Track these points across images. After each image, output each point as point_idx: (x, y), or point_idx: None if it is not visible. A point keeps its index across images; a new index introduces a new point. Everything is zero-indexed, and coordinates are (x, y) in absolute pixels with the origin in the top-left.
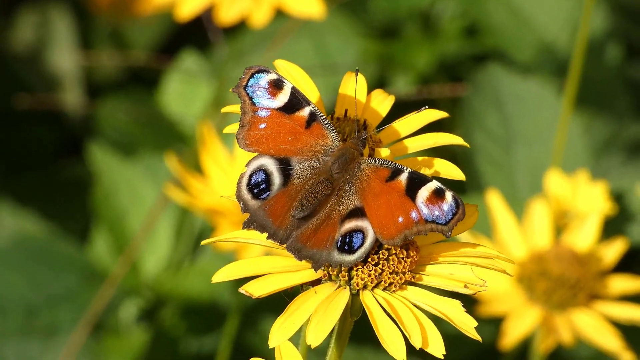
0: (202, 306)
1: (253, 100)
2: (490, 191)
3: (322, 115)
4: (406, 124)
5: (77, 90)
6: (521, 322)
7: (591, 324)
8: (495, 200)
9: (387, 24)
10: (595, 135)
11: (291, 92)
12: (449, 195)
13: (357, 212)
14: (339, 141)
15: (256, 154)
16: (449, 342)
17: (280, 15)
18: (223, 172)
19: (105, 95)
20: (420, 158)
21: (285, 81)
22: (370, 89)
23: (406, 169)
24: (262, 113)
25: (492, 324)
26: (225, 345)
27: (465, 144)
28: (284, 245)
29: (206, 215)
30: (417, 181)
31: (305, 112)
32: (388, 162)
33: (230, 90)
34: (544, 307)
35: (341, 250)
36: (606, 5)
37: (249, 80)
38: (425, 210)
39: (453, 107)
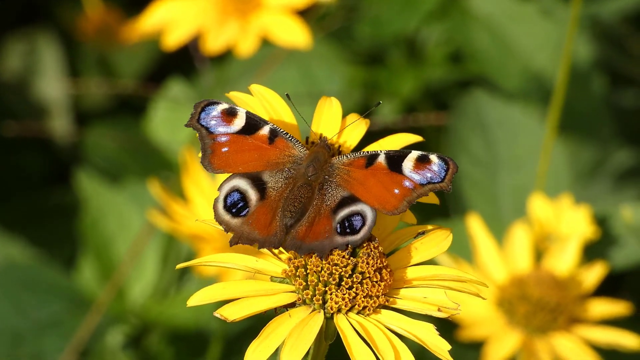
0: (188, 333)
1: (210, 130)
2: (471, 215)
3: (282, 131)
4: (380, 147)
5: (65, 117)
6: (502, 346)
7: (571, 348)
8: (475, 224)
9: (372, 51)
10: (582, 162)
11: (246, 115)
12: (433, 157)
13: (348, 200)
14: (305, 149)
15: (227, 175)
16: None
17: (266, 43)
18: (205, 198)
19: (93, 122)
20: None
21: (237, 108)
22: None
23: (381, 152)
24: (222, 138)
25: (474, 349)
26: None
27: None
28: (280, 248)
29: (189, 241)
30: (396, 157)
31: (265, 130)
32: (359, 153)
33: (184, 125)
34: (524, 331)
35: (343, 233)
36: (591, 33)
37: (200, 114)
38: (417, 177)
39: (438, 135)
